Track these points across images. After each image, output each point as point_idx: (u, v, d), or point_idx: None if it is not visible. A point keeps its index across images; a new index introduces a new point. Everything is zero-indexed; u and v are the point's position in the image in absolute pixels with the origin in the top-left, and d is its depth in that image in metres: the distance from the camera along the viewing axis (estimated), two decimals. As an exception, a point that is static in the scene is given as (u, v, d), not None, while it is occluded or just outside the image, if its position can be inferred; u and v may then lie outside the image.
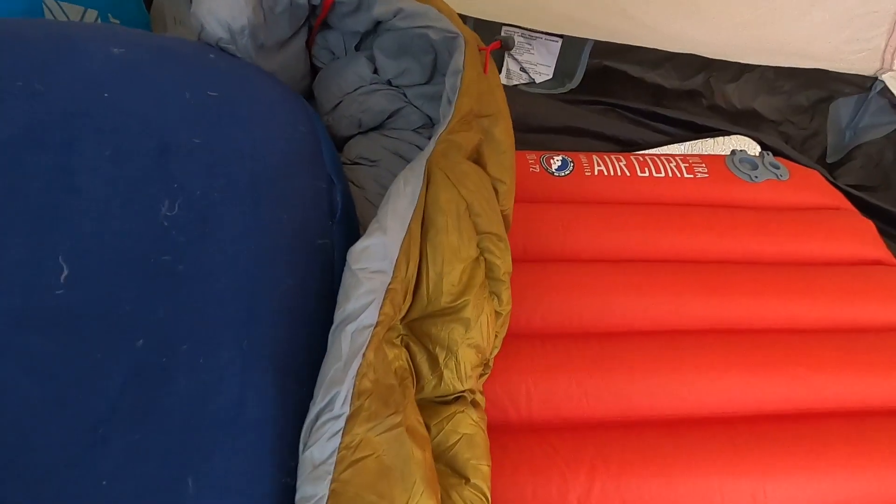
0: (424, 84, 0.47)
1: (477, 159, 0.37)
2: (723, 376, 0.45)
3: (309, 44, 0.50)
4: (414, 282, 0.31)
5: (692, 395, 0.43)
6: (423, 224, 0.32)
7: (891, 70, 0.76)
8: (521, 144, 0.79)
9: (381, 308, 0.27)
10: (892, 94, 0.82)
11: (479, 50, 0.40)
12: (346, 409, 0.23)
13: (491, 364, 0.38)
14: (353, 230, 0.36)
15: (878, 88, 0.83)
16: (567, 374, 0.42)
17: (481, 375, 0.37)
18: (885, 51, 0.68)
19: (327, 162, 0.37)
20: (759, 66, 0.87)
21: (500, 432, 0.37)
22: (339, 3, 0.44)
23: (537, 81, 0.92)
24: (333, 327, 0.26)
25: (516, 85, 0.91)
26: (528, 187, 0.59)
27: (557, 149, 0.79)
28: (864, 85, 0.86)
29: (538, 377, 0.42)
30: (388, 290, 0.28)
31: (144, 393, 0.21)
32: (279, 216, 0.30)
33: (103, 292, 0.24)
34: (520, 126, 0.81)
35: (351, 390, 0.23)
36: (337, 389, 0.23)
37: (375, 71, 0.49)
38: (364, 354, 0.25)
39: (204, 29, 0.38)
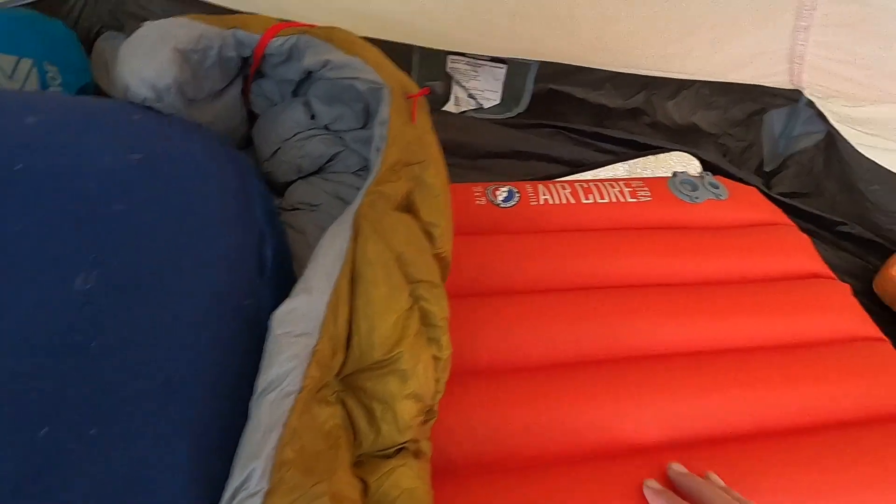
0: (360, 129, 0.47)
1: (408, 207, 0.38)
2: (669, 403, 0.46)
3: (245, 92, 0.50)
4: (345, 337, 0.31)
5: (638, 424, 0.44)
6: (353, 278, 0.32)
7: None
8: (471, 171, 0.81)
9: (305, 373, 0.27)
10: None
11: (407, 98, 0.40)
12: (265, 485, 0.22)
13: (436, 409, 0.38)
14: (286, 283, 0.36)
15: (804, 100, 0.88)
16: (512, 412, 0.43)
17: (426, 422, 0.37)
18: (791, 81, 0.72)
19: (259, 215, 0.37)
20: (695, 81, 0.90)
21: (446, 476, 0.37)
22: (270, 55, 0.44)
23: (485, 107, 0.94)
24: (254, 397, 0.25)
25: (464, 111, 0.93)
26: (476, 220, 0.60)
27: (506, 173, 0.81)
28: (792, 97, 0.90)
29: (483, 418, 0.42)
30: (313, 352, 0.28)
31: (44, 490, 0.21)
32: (203, 280, 0.30)
33: (7, 378, 0.23)
34: (468, 153, 0.83)
35: (271, 463, 0.23)
36: (254, 464, 0.23)
37: (313, 116, 0.49)
38: (286, 423, 0.24)
39: (129, 89, 0.38)
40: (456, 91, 0.95)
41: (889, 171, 0.76)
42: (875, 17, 0.48)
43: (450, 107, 0.94)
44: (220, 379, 0.28)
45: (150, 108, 0.39)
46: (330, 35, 0.42)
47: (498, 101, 0.95)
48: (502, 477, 0.40)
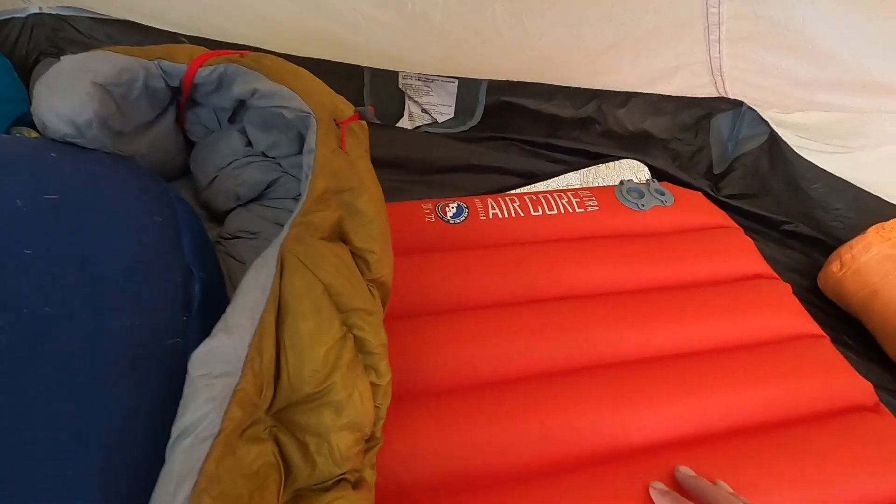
0: (297, 154, 0.47)
1: (341, 235, 0.38)
2: (616, 412, 0.46)
3: (180, 120, 0.49)
4: (273, 372, 0.31)
5: (584, 434, 0.45)
6: (280, 313, 0.31)
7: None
8: (424, 186, 0.81)
9: (225, 414, 0.26)
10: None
11: (336, 124, 0.40)
12: (177, 538, 0.22)
13: (379, 436, 0.38)
14: (216, 320, 0.35)
15: (746, 104, 0.90)
16: (461, 432, 0.43)
17: (369, 450, 0.37)
18: (717, 91, 0.74)
19: (187, 250, 0.36)
20: (641, 91, 0.92)
21: (394, 500, 0.37)
22: (200, 84, 0.43)
23: (439, 121, 0.94)
24: (169, 444, 0.25)
25: (419, 126, 0.93)
26: (426, 238, 0.60)
27: (460, 187, 0.81)
28: (736, 102, 0.93)
29: (431, 439, 0.42)
30: (235, 392, 0.27)
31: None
32: (122, 323, 0.29)
33: None
34: (422, 168, 0.83)
35: (183, 514, 0.22)
36: (166, 517, 0.22)
37: (249, 143, 0.49)
38: (202, 469, 0.24)
39: (46, 127, 0.37)
40: (409, 106, 0.95)
41: (826, 171, 0.79)
42: (772, 31, 0.50)
43: (404, 122, 0.94)
44: (139, 425, 0.27)
45: (71, 144, 0.38)
46: (258, 63, 0.42)
47: (451, 115, 0.95)
48: (451, 498, 0.39)
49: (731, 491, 0.41)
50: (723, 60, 0.58)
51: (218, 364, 0.27)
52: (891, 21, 0.41)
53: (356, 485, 0.34)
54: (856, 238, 0.69)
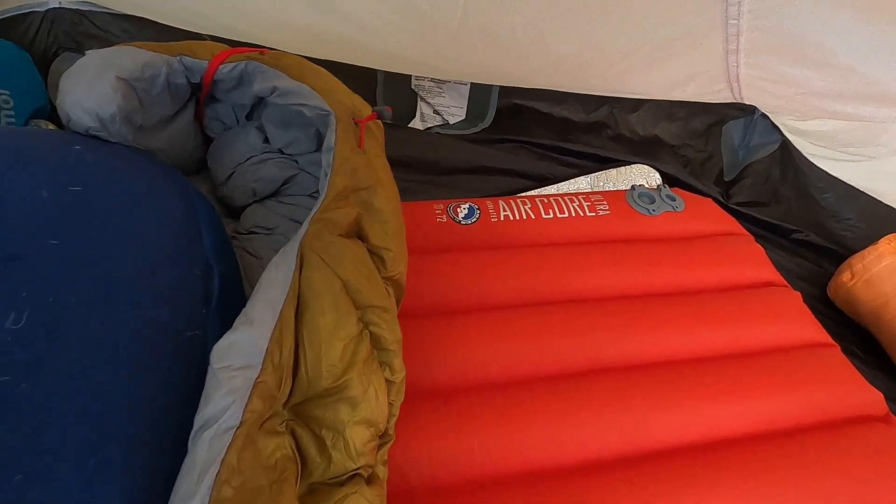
0: (314, 152, 0.47)
1: (358, 232, 0.38)
2: (628, 417, 0.46)
3: (199, 116, 0.50)
4: (291, 367, 0.31)
5: (592, 439, 0.45)
6: (299, 308, 0.32)
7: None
8: (435, 187, 0.81)
9: (246, 406, 0.26)
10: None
11: (355, 123, 0.41)
12: (200, 527, 0.22)
13: (391, 433, 0.38)
14: (236, 312, 0.36)
15: (759, 112, 0.90)
16: (469, 434, 0.43)
17: (381, 446, 0.37)
18: (733, 97, 0.74)
19: (206, 244, 0.37)
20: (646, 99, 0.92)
21: (402, 501, 0.37)
22: (220, 81, 0.44)
23: (451, 123, 0.95)
24: (191, 435, 0.25)
25: (430, 127, 0.94)
26: (437, 238, 0.61)
27: (470, 189, 0.81)
28: (748, 109, 0.93)
29: (440, 440, 0.42)
30: (256, 385, 0.27)
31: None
32: (143, 316, 0.30)
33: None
34: (433, 169, 0.84)
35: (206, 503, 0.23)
36: (189, 506, 0.23)
37: (266, 140, 0.49)
38: (224, 461, 0.24)
39: (71, 119, 0.38)
40: (421, 107, 0.95)
41: (839, 179, 0.79)
42: (791, 43, 0.51)
43: (415, 123, 0.95)
44: (160, 415, 0.27)
45: (94, 138, 0.38)
46: (277, 61, 0.42)
47: (463, 117, 0.96)
48: (457, 498, 0.40)
49: None
50: (740, 69, 0.58)
51: (239, 357, 0.28)
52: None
53: (369, 480, 0.35)
54: (868, 248, 0.69)
